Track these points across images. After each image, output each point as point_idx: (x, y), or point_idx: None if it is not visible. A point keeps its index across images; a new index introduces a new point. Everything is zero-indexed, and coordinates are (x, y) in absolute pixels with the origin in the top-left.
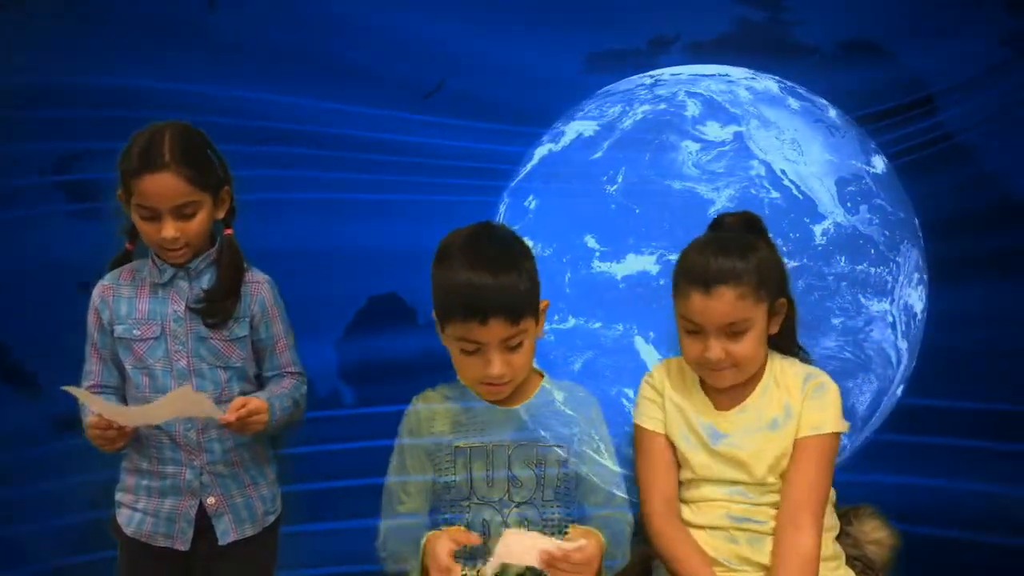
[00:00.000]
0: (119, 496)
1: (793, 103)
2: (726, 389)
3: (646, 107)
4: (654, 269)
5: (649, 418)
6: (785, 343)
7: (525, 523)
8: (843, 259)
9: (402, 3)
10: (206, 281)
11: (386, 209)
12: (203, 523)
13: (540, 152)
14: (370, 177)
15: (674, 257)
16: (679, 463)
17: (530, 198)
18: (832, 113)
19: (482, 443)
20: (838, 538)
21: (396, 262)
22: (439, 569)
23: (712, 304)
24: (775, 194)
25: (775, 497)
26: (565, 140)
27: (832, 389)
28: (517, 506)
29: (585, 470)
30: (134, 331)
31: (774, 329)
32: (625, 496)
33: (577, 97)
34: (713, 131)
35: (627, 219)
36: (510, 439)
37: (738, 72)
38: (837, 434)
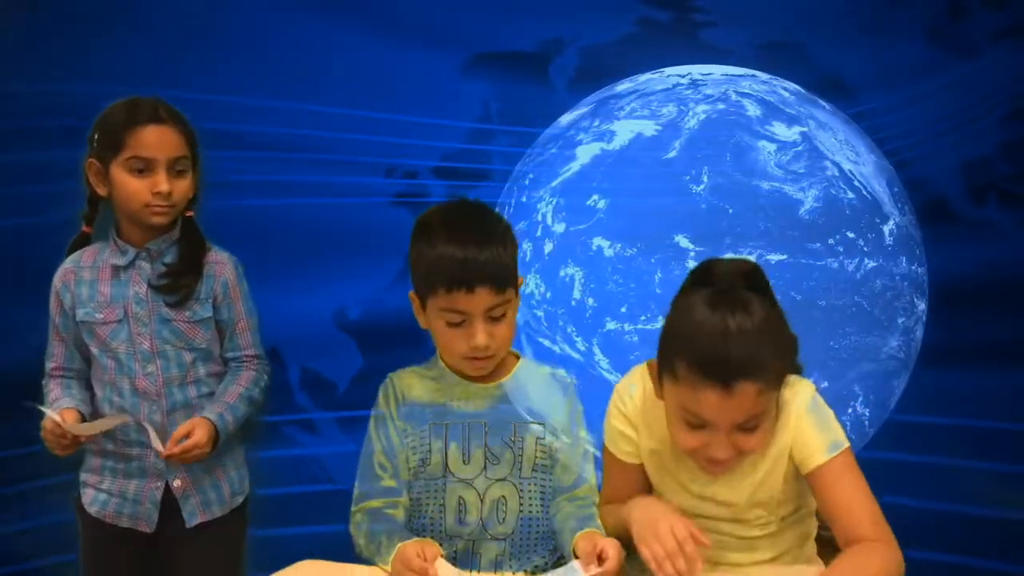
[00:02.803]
0: (84, 476)
1: (824, 103)
2: None
3: (704, 107)
4: None
5: (622, 451)
6: None
7: (502, 503)
8: (904, 259)
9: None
10: (168, 258)
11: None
12: (170, 504)
13: (588, 151)
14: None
15: (776, 258)
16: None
17: (594, 198)
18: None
19: (458, 420)
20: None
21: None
22: (411, 569)
23: (732, 403)
24: (850, 194)
25: (760, 526)
26: (621, 140)
27: (824, 404)
28: (494, 483)
29: (561, 450)
30: (96, 315)
31: None
32: (595, 484)
33: (457, 99)
34: (781, 131)
35: (720, 219)
36: (486, 415)
37: (761, 74)
38: (850, 447)
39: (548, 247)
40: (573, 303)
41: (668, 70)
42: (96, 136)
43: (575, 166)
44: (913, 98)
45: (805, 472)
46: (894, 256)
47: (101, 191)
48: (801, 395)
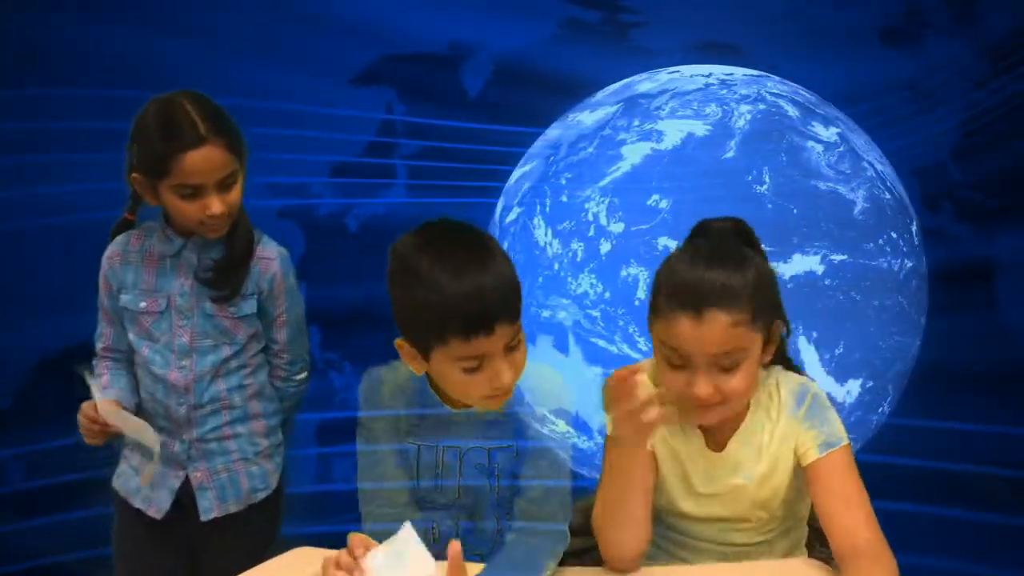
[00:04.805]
0: (125, 451)
1: (832, 104)
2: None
3: (747, 107)
4: (819, 269)
5: None
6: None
7: (479, 526)
8: (925, 259)
9: None
10: (215, 253)
11: None
12: (190, 495)
13: (637, 151)
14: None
15: (839, 258)
16: (657, 489)
17: (655, 197)
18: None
19: (432, 444)
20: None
21: None
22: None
23: (704, 331)
24: (888, 195)
25: (758, 529)
26: (672, 139)
27: (826, 400)
28: (469, 516)
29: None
30: (140, 303)
31: (767, 358)
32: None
33: (359, 102)
34: (822, 132)
35: (786, 219)
36: (463, 443)
37: (772, 75)
38: (849, 445)
39: (605, 247)
40: (636, 303)
41: (685, 69)
42: (136, 152)
43: (624, 165)
44: (867, 101)
45: (803, 466)
46: (920, 256)
47: (151, 202)
48: (813, 395)
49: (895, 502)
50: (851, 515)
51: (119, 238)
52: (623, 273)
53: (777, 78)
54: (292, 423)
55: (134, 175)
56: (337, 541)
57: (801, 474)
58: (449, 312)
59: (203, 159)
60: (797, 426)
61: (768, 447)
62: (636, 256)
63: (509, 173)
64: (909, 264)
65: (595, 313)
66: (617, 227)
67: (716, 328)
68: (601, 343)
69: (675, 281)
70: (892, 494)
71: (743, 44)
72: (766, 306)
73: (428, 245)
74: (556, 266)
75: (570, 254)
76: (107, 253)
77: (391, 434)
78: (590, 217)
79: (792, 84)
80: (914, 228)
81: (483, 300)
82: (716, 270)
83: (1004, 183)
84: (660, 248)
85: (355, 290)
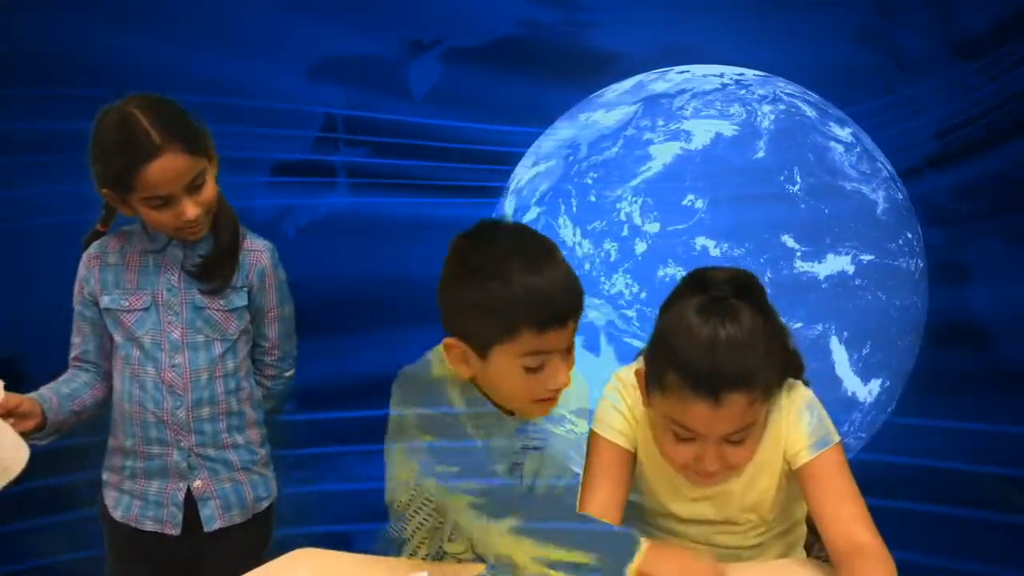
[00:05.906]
0: (105, 476)
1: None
2: None
3: (768, 107)
4: (851, 269)
5: (618, 432)
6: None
7: None
8: (927, 260)
9: None
10: (202, 246)
11: None
12: (191, 507)
13: (667, 150)
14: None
15: (867, 258)
16: (645, 492)
17: (689, 197)
18: None
19: (467, 447)
20: None
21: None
22: None
23: (721, 415)
24: (900, 195)
25: (750, 531)
26: (701, 139)
27: (815, 400)
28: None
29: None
30: (122, 301)
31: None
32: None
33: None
34: (839, 132)
35: (819, 219)
36: (501, 443)
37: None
38: (840, 442)
39: (640, 247)
40: None
41: (696, 69)
42: (99, 169)
43: (655, 165)
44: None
45: (795, 468)
46: (925, 257)
47: (127, 213)
48: (794, 395)
49: (895, 501)
50: (847, 514)
51: (97, 242)
52: (660, 273)
53: (783, 79)
54: (275, 424)
55: (104, 190)
56: (303, 542)
57: (793, 477)
58: (525, 303)
59: (163, 169)
60: (786, 430)
61: (759, 459)
62: (674, 256)
63: (467, 172)
64: (921, 264)
65: (631, 313)
66: (652, 227)
67: (734, 411)
68: (636, 343)
69: (687, 362)
70: (892, 494)
71: (704, 44)
72: (774, 369)
73: (493, 241)
74: (587, 266)
75: (602, 254)
76: (84, 258)
77: (423, 433)
78: (623, 217)
79: (798, 84)
80: (919, 229)
81: (558, 292)
82: (733, 352)
83: (979, 188)
84: (698, 248)
85: (299, 295)
